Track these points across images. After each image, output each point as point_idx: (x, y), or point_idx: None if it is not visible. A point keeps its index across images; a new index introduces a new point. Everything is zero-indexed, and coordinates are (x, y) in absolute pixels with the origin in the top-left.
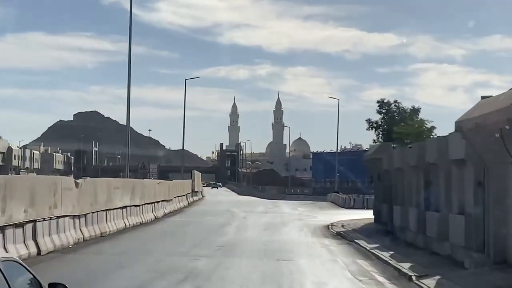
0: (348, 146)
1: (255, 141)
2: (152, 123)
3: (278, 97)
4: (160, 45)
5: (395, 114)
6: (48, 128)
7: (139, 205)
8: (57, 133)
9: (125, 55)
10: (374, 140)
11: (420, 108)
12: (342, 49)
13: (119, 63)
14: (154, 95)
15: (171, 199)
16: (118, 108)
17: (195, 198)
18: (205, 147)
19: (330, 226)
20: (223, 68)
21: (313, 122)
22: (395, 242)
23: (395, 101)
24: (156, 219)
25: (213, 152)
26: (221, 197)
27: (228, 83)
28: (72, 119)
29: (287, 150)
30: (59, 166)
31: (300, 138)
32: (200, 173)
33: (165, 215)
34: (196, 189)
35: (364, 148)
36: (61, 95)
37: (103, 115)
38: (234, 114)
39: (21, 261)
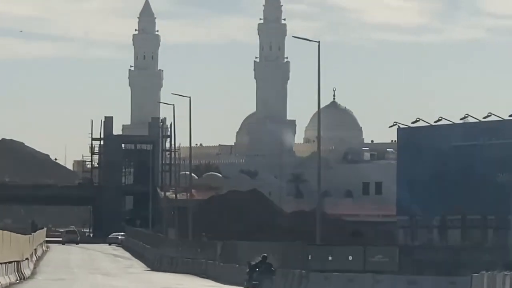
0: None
1: (206, 111)
2: None
3: None
4: None
5: None
6: None
7: None
8: None
9: None
10: None
11: None
12: None
13: None
14: None
15: None
16: None
17: None
18: (74, 135)
19: None
20: None
21: (359, 67)
22: None
23: None
24: None
25: (91, 148)
26: None
27: None
28: None
29: (297, 139)
30: None
31: (334, 102)
32: None
33: None
34: None
35: None
36: None
37: None
38: (147, 30)
39: None
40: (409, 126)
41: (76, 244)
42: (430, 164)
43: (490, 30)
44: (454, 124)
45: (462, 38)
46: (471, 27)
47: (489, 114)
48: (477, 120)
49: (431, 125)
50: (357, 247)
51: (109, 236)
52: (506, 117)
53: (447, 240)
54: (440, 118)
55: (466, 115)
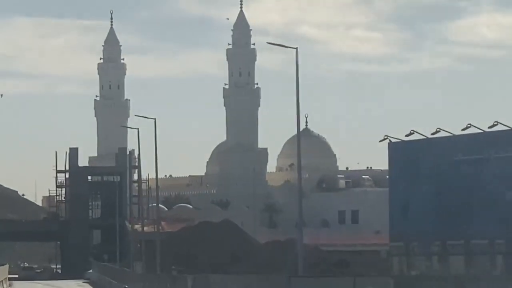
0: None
1: (175, 141)
2: None
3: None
4: None
5: None
6: None
7: None
8: None
9: None
10: None
11: None
12: None
13: None
14: None
15: None
16: None
17: None
18: (43, 171)
19: None
20: None
21: (330, 96)
22: None
23: None
24: None
25: (56, 181)
26: None
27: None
28: None
29: (269, 168)
30: None
31: (307, 129)
32: None
33: None
34: None
35: None
36: None
37: None
38: (112, 58)
39: None
40: (402, 140)
41: (33, 280)
42: (427, 182)
43: (456, 59)
44: (454, 136)
45: (429, 67)
46: (438, 56)
47: (495, 123)
48: (482, 131)
49: (428, 138)
50: (346, 278)
51: (87, 272)
52: None
53: (448, 269)
54: (438, 130)
55: (469, 125)
